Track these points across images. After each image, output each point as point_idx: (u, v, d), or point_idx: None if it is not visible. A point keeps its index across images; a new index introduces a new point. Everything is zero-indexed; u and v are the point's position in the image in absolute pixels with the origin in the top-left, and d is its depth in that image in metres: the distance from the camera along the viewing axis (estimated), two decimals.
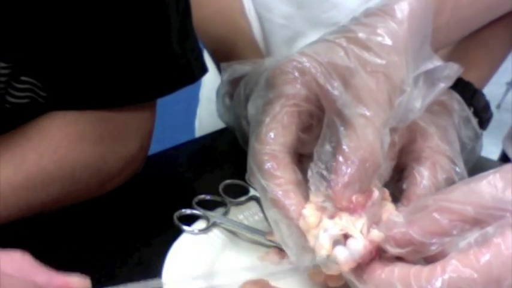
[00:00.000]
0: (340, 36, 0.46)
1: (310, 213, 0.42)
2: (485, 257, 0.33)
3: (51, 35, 0.53)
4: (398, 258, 0.39)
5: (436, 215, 0.36)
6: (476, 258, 0.34)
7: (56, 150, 0.54)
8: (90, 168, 0.57)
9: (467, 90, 0.58)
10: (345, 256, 0.40)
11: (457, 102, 0.55)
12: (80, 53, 0.54)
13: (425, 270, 0.35)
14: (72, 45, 0.53)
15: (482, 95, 0.60)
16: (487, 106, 0.60)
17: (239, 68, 0.66)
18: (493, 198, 0.35)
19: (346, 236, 0.40)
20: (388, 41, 0.45)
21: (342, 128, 0.42)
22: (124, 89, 0.56)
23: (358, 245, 0.39)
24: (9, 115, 0.57)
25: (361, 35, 0.45)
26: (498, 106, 2.27)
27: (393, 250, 0.38)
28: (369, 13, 0.47)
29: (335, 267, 0.41)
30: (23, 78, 0.56)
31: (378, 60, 0.44)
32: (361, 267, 0.40)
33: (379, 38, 0.45)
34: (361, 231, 0.40)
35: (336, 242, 0.40)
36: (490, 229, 0.34)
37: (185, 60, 0.58)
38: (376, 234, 0.39)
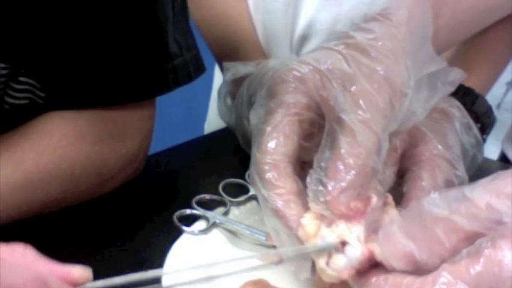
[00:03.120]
0: (340, 42, 0.46)
1: (308, 222, 0.42)
2: (476, 268, 0.33)
3: (49, 35, 0.53)
4: None
5: (434, 229, 0.35)
6: (467, 270, 0.33)
7: (54, 150, 0.54)
8: (89, 168, 0.57)
9: (468, 96, 0.58)
10: (343, 263, 0.40)
11: (457, 109, 0.55)
12: (76, 52, 0.54)
13: (417, 281, 0.35)
14: (68, 45, 0.53)
15: (484, 100, 0.60)
16: (489, 111, 0.60)
17: (242, 67, 0.66)
18: (490, 210, 0.34)
19: (344, 244, 0.40)
20: (388, 45, 0.45)
21: (341, 135, 0.42)
22: (119, 87, 0.56)
23: (356, 252, 0.39)
24: (8, 116, 0.57)
25: (360, 40, 0.45)
26: (498, 106, 2.26)
27: (399, 267, 0.37)
28: (367, 18, 0.47)
29: (334, 275, 0.40)
30: (21, 79, 0.56)
31: (378, 65, 0.44)
32: (361, 273, 0.40)
33: (379, 43, 0.45)
34: (358, 238, 0.40)
35: (334, 250, 0.40)
36: (483, 240, 0.34)
37: (182, 60, 0.58)
38: (377, 248, 0.39)
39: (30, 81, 0.57)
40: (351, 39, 0.45)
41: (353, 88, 0.43)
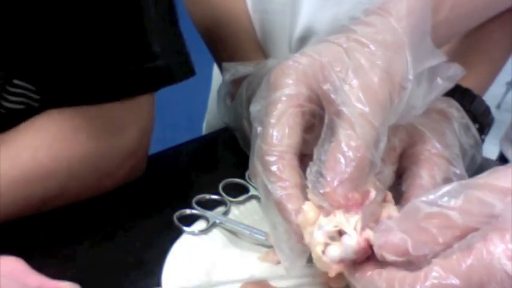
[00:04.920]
0: (340, 36, 0.46)
1: (309, 208, 0.42)
2: (467, 262, 0.33)
3: (37, 37, 0.54)
4: None
5: (426, 224, 0.36)
6: (458, 264, 0.33)
7: (51, 145, 0.55)
8: (87, 163, 0.57)
9: (466, 97, 0.58)
10: (338, 252, 0.40)
11: (456, 110, 0.55)
12: (61, 53, 0.55)
13: (410, 276, 0.35)
14: (54, 46, 0.55)
15: (482, 100, 0.60)
16: (487, 111, 0.60)
17: (241, 68, 0.66)
18: (481, 204, 0.35)
19: (341, 233, 0.40)
20: (388, 39, 0.45)
21: (341, 128, 0.42)
22: (103, 84, 0.57)
23: (352, 241, 0.39)
24: (4, 121, 0.58)
25: (361, 33, 0.45)
26: (498, 106, 2.27)
27: (390, 258, 0.38)
28: (368, 12, 0.47)
29: (329, 264, 0.40)
30: (16, 82, 0.57)
31: (378, 58, 0.44)
32: (356, 265, 0.40)
33: (379, 36, 0.45)
34: (354, 228, 0.40)
35: (331, 239, 0.41)
36: (474, 234, 0.34)
37: (164, 62, 0.59)
38: (372, 235, 0.40)
39: (25, 84, 0.57)
40: (351, 33, 0.46)
41: (353, 81, 0.43)
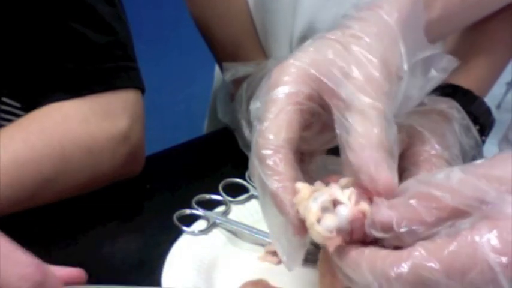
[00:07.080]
0: (336, 31, 0.46)
1: (303, 186, 0.42)
2: (450, 248, 0.33)
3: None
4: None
5: (413, 202, 0.36)
6: (441, 248, 0.33)
7: (42, 129, 0.57)
8: (80, 147, 0.58)
9: (467, 98, 0.58)
10: (333, 223, 0.40)
11: (456, 110, 0.55)
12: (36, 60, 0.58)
13: (393, 254, 0.36)
14: (28, 54, 0.59)
15: (483, 102, 0.60)
16: (487, 113, 0.60)
17: (242, 68, 0.67)
18: (474, 189, 0.34)
19: (335, 204, 0.40)
20: (381, 31, 0.45)
21: (355, 122, 0.42)
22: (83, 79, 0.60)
23: (346, 211, 0.40)
24: None
25: (355, 28, 0.46)
26: (498, 106, 2.27)
27: (377, 234, 0.38)
28: (359, 8, 0.48)
29: (323, 233, 0.40)
30: (4, 99, 0.60)
31: (375, 51, 0.44)
32: (343, 246, 0.40)
33: (373, 29, 0.45)
34: (349, 198, 0.40)
35: (325, 210, 0.41)
36: (464, 221, 0.34)
37: (113, 65, 0.62)
38: (366, 206, 0.39)
39: (12, 102, 0.60)
40: (346, 28, 0.46)
41: (357, 75, 0.44)
